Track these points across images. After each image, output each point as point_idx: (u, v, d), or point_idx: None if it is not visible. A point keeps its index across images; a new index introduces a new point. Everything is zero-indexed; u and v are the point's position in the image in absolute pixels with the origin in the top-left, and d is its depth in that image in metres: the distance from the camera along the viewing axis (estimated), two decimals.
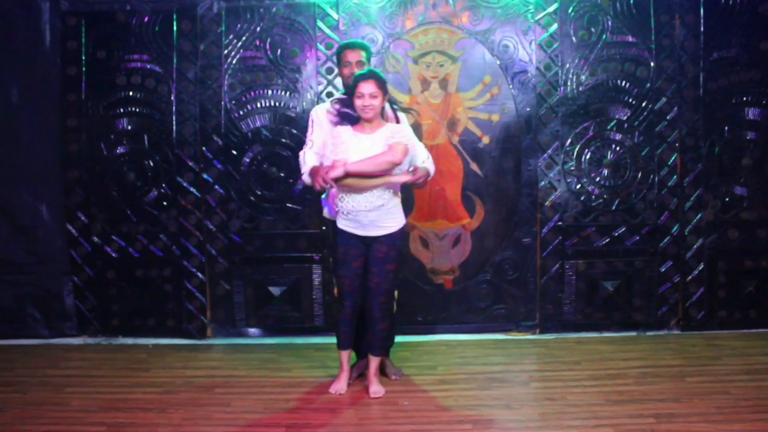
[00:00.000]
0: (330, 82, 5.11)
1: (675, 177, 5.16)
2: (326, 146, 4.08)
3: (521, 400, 4.00)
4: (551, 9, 5.09)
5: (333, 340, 4.91)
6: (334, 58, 4.73)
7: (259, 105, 5.15)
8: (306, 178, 4.12)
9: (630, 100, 5.14)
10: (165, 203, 5.18)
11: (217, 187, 5.16)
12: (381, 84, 3.95)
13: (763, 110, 5.14)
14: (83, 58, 5.13)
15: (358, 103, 3.94)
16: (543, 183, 5.16)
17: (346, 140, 3.97)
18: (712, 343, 4.94)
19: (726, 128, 5.15)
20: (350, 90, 4.01)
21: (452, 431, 3.62)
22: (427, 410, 3.88)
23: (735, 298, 5.22)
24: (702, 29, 5.10)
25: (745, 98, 5.14)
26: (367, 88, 3.92)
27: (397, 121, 4.11)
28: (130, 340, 5.21)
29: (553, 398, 4.00)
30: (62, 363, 4.77)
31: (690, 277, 5.20)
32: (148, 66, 5.13)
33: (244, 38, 5.11)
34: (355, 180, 3.90)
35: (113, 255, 5.22)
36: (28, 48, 5.12)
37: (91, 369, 4.63)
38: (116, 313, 5.25)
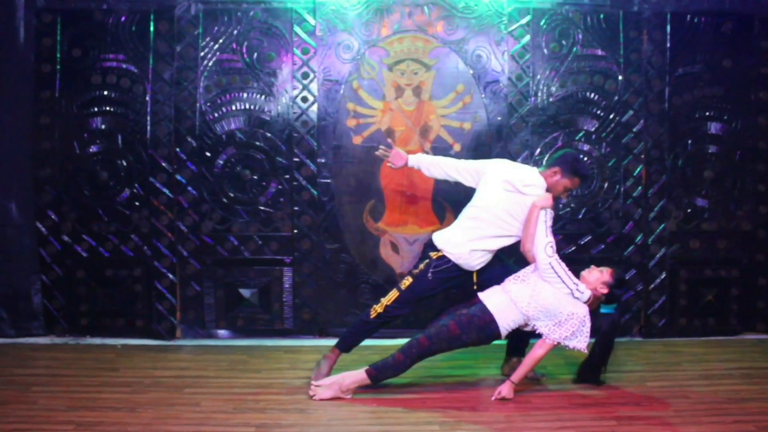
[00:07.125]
0: (305, 87, 5.16)
1: (640, 188, 5.31)
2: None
3: (487, 403, 4.08)
4: (524, 21, 5.21)
5: (303, 342, 5.06)
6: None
7: (234, 108, 5.18)
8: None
9: (598, 112, 5.27)
10: (137, 203, 5.18)
11: (190, 188, 5.18)
12: None
13: (724, 125, 5.32)
14: (58, 55, 5.11)
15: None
16: None
17: None
18: (673, 349, 5.08)
19: (689, 142, 5.32)
20: None
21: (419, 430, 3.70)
22: (395, 412, 3.94)
23: (695, 307, 5.37)
24: (668, 45, 5.26)
25: (707, 113, 5.32)
26: None
27: None
28: (98, 340, 5.19)
29: (518, 402, 4.08)
30: (29, 362, 4.72)
31: (652, 286, 5.35)
32: (124, 66, 5.13)
33: (220, 41, 5.15)
34: None
35: (83, 254, 5.19)
36: (1, 44, 5.09)
37: (58, 368, 4.60)
38: (85, 312, 5.23)
